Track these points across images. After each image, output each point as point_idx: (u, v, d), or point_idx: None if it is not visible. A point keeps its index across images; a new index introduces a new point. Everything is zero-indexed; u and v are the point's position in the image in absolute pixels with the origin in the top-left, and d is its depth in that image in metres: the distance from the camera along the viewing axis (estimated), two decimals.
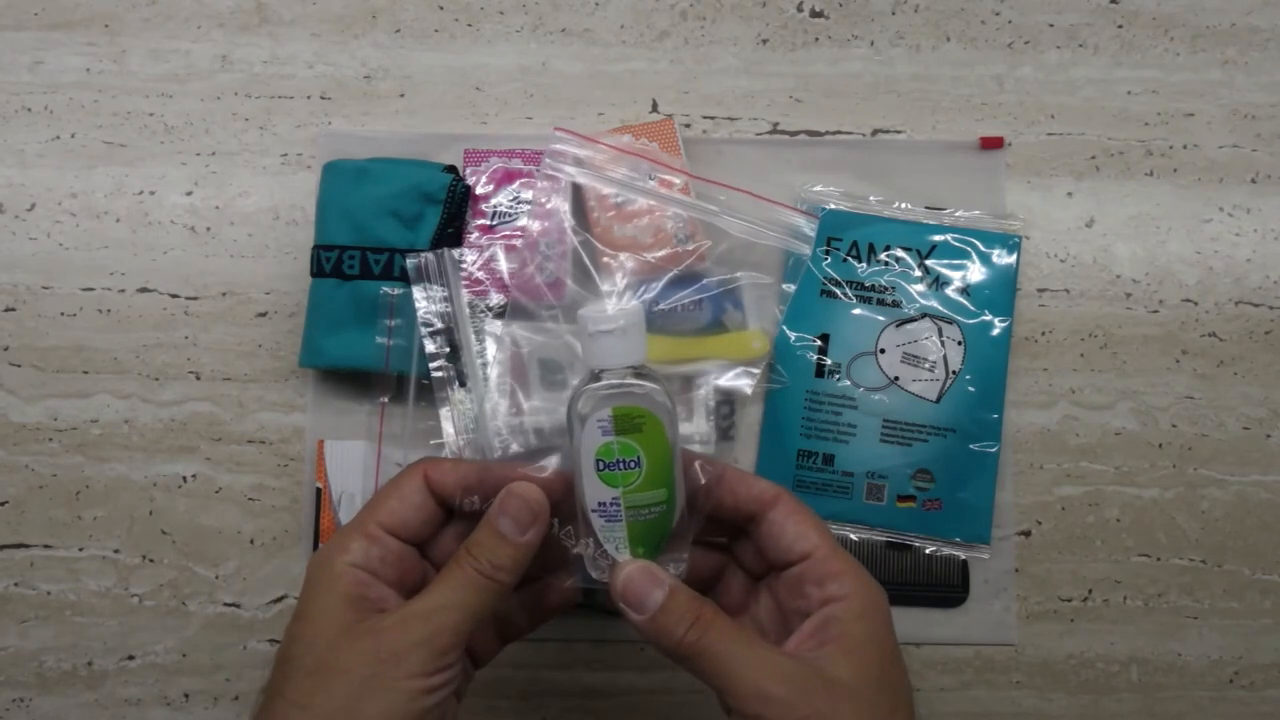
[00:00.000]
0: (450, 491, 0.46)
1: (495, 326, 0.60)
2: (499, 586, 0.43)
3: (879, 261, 0.64)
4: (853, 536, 0.62)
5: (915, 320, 0.63)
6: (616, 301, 0.54)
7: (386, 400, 0.61)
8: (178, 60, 0.66)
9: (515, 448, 0.58)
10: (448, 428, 0.59)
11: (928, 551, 0.62)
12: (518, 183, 0.62)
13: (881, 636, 0.43)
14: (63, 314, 0.64)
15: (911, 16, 0.67)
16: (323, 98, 0.65)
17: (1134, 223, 0.66)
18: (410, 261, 0.59)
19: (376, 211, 0.60)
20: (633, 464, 0.44)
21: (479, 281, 0.60)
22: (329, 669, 0.40)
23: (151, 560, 0.63)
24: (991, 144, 0.65)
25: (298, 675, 0.40)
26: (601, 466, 0.44)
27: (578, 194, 0.61)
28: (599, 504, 0.44)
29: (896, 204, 0.65)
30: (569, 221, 0.60)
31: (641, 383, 0.45)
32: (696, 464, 0.47)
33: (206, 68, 0.65)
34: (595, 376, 0.45)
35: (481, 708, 0.62)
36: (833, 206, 0.64)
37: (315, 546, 0.62)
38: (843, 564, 0.44)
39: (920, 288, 0.63)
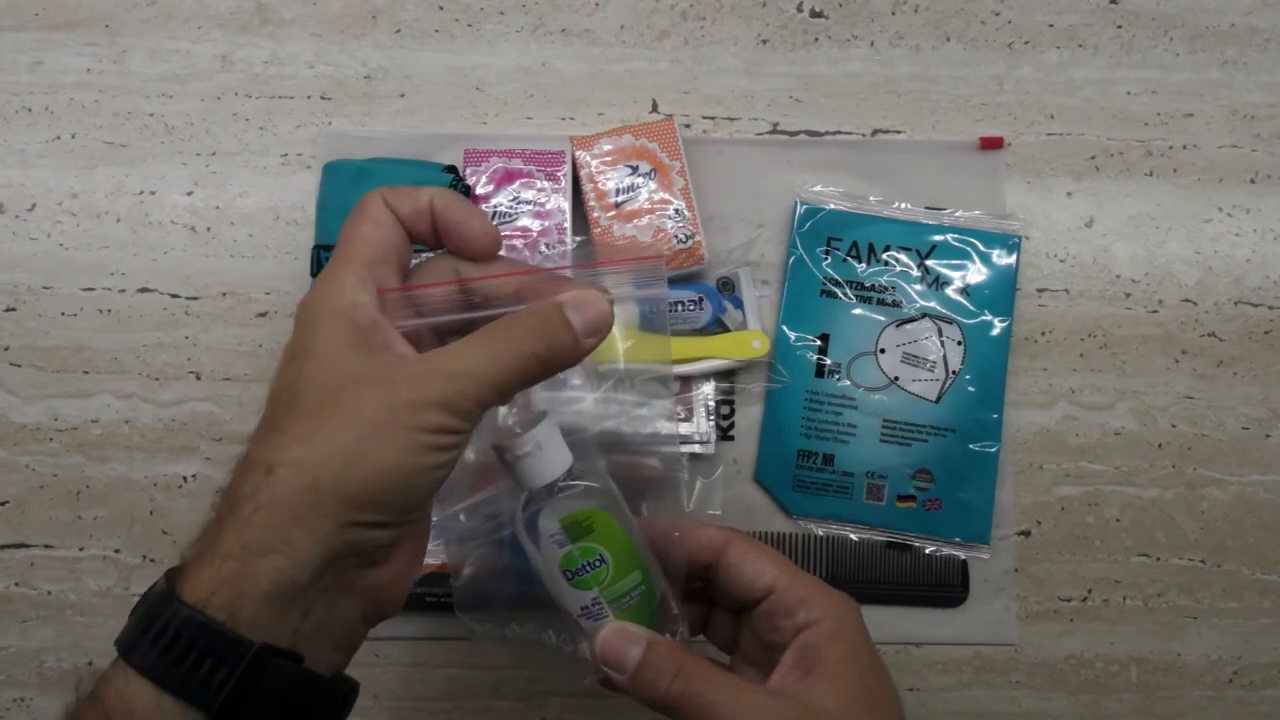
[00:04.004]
0: (413, 215, 0.42)
1: None
2: (537, 371, 0.39)
3: (879, 261, 0.64)
4: (853, 536, 0.62)
5: (915, 320, 0.63)
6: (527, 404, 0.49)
7: None
8: (178, 60, 0.66)
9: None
10: None
11: (928, 551, 0.62)
12: (518, 183, 0.62)
13: (858, 652, 0.44)
14: (63, 314, 0.64)
15: (911, 16, 0.67)
16: (323, 98, 0.65)
17: (1134, 223, 0.66)
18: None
19: None
20: (598, 563, 0.44)
21: None
22: (338, 406, 0.36)
23: (152, 560, 0.63)
24: (991, 144, 0.65)
25: (301, 410, 0.37)
26: (570, 576, 0.44)
27: (578, 194, 0.62)
28: (582, 608, 0.44)
29: (896, 204, 0.65)
30: (569, 221, 0.61)
31: (575, 484, 0.44)
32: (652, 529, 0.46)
33: (207, 68, 0.65)
34: (529, 496, 0.44)
35: (482, 708, 0.62)
36: (833, 206, 0.64)
37: None
38: (806, 589, 0.45)
39: (920, 288, 0.63)
